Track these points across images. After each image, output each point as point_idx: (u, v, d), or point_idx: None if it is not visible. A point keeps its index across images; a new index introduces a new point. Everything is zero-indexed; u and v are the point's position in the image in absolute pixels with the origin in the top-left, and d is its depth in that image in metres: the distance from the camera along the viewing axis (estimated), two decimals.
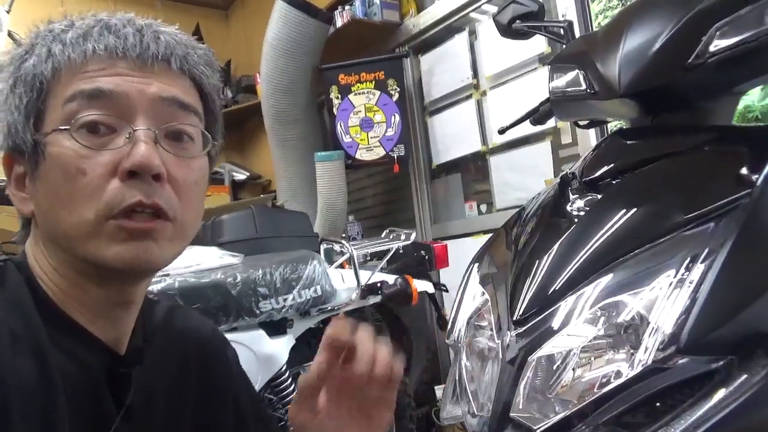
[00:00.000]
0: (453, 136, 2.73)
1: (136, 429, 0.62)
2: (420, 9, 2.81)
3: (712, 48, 0.77)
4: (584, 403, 0.62)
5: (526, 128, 2.23)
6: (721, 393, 0.58)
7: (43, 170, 0.56)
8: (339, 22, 2.83)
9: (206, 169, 0.64)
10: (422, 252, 2.00)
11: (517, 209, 0.99)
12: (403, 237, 1.88)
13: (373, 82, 2.75)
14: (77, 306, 0.59)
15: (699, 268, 0.62)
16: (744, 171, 0.69)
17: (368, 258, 2.15)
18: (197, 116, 0.62)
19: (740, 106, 1.75)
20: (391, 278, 1.81)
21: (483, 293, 0.84)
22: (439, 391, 2.47)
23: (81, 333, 0.59)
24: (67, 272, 0.58)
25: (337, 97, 2.77)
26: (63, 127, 0.54)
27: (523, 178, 2.38)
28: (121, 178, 0.54)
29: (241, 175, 3.76)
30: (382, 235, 1.94)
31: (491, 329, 0.78)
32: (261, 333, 1.58)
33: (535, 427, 0.65)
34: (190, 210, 0.60)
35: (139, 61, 0.57)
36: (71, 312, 0.58)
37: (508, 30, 1.29)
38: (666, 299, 0.62)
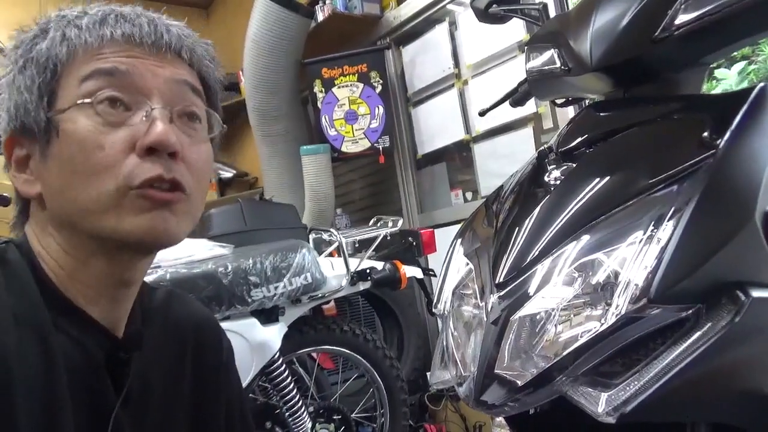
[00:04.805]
0: (436, 125, 2.76)
1: (133, 413, 0.63)
2: (400, 1, 2.83)
3: (677, 21, 0.79)
4: (563, 355, 0.66)
5: (508, 115, 2.28)
6: (690, 338, 0.62)
7: (56, 148, 0.57)
8: (320, 17, 2.84)
9: (212, 154, 0.66)
10: (410, 238, 2.04)
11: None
12: (390, 224, 1.91)
13: (356, 74, 2.77)
14: (79, 286, 0.60)
15: (666, 225, 0.65)
16: (707, 135, 0.72)
17: (357, 246, 2.18)
18: (203, 101, 0.64)
19: (718, 89, 1.81)
20: (379, 264, 1.84)
21: (467, 263, 0.87)
22: None
23: (80, 315, 0.59)
24: (73, 251, 0.59)
25: (321, 91, 2.79)
26: (87, 101, 0.56)
27: (507, 164, 2.42)
28: (139, 154, 0.56)
29: (227, 173, 3.77)
30: (370, 223, 1.97)
31: (476, 296, 0.81)
32: (253, 321, 1.60)
33: (518, 382, 0.69)
34: (200, 188, 0.62)
35: (154, 48, 0.59)
36: (71, 294, 0.59)
37: (485, 14, 1.32)
38: (637, 255, 0.65)
